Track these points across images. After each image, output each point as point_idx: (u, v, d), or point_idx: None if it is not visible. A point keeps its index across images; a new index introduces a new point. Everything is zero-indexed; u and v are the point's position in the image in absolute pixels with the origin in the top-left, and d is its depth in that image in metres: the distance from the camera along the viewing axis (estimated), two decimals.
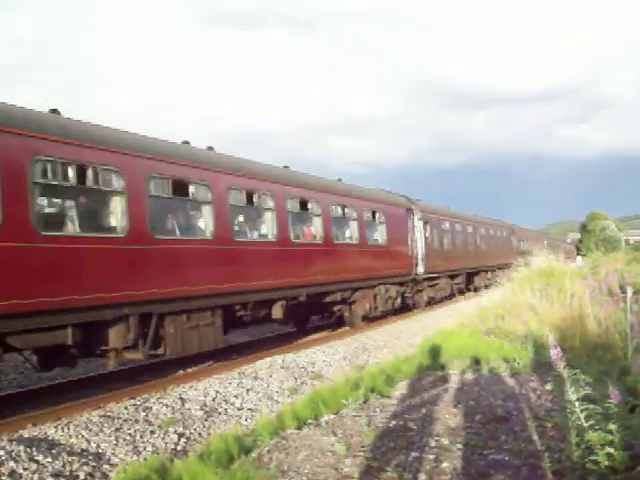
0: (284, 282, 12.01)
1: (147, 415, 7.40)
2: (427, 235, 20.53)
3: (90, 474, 5.56)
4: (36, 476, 5.39)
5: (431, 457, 4.51)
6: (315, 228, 13.72)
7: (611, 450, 3.63)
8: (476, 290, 26.24)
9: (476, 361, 8.32)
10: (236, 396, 8.34)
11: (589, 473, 3.66)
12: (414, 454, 4.60)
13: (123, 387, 9.26)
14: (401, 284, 18.36)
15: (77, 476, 5.48)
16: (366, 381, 7.39)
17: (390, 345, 12.66)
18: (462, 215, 26.93)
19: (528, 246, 37.32)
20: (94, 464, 5.80)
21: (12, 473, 5.41)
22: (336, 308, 15.43)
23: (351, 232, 15.51)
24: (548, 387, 6.49)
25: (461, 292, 24.96)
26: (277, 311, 11.91)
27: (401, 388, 7.29)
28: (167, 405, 7.82)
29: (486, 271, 28.96)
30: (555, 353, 4.00)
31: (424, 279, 20.28)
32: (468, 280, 26.76)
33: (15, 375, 10.62)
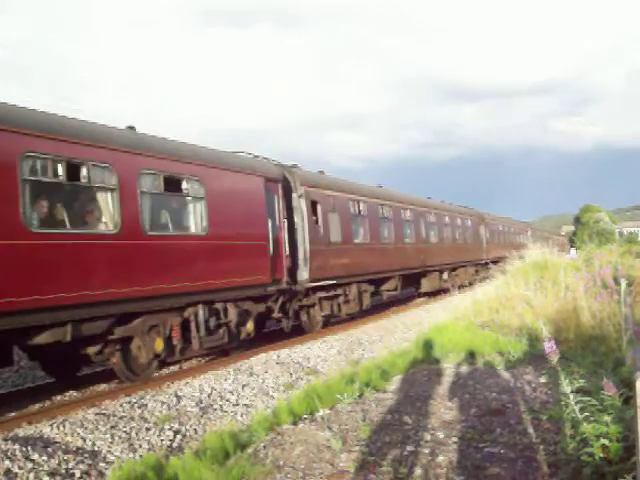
0: None
1: (142, 412, 7.39)
2: (319, 222, 13.75)
3: (86, 472, 5.55)
4: (32, 475, 5.36)
5: (427, 451, 4.52)
6: None
7: (606, 442, 3.64)
8: (424, 295, 22.23)
9: (471, 354, 8.35)
10: (231, 392, 8.33)
11: (584, 465, 3.67)
12: (410, 448, 4.61)
13: (118, 385, 9.24)
14: (257, 300, 11.72)
15: (73, 474, 5.47)
16: (361, 376, 7.40)
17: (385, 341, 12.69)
18: (394, 195, 19.37)
19: (505, 239, 33.44)
20: (90, 462, 5.78)
21: (7, 472, 5.39)
22: (90, 351, 8.57)
23: (105, 212, 8.44)
24: (543, 380, 6.51)
25: (405, 302, 21.00)
26: None
27: (396, 382, 7.30)
28: (162, 402, 7.81)
29: (440, 271, 22.68)
30: (549, 346, 4.01)
31: (312, 289, 13.50)
32: (411, 283, 20.82)
33: (10, 374, 10.59)
